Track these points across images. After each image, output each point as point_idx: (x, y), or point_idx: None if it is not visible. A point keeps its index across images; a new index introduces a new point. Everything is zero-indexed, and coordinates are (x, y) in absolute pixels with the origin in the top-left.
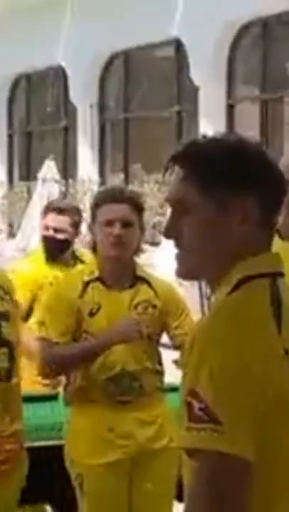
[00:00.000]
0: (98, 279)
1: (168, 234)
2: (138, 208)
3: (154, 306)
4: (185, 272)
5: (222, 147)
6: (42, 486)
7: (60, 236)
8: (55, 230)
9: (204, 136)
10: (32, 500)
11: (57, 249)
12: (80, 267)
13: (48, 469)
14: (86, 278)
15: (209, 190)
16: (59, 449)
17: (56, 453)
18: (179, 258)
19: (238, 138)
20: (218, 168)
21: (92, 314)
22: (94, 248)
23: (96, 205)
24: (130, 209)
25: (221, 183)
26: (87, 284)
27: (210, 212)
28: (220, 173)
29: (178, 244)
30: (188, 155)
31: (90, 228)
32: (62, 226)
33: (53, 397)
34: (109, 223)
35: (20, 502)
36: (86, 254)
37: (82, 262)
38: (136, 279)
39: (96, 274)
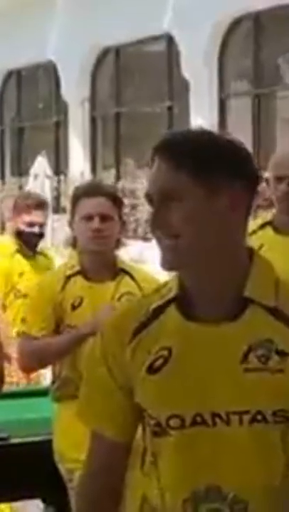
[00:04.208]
0: (79, 272)
1: (156, 223)
2: (117, 201)
3: None
4: (174, 260)
5: (206, 136)
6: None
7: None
8: (39, 225)
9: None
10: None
11: (35, 243)
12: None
13: None
14: (67, 272)
15: (200, 178)
16: None
17: None
18: (167, 247)
19: (211, 131)
20: (208, 155)
21: (74, 308)
22: (74, 243)
23: (74, 200)
24: (108, 202)
25: (211, 170)
26: (68, 278)
27: (201, 198)
28: (210, 161)
29: (166, 234)
30: (175, 146)
31: (70, 223)
32: (42, 220)
33: None
34: (88, 217)
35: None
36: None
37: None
38: (117, 271)
39: (77, 268)
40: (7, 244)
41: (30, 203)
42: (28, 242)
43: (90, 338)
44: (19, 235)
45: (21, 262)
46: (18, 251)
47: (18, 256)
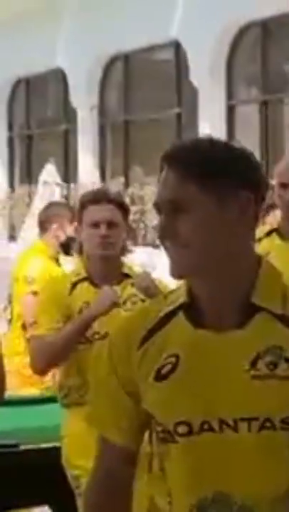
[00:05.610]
0: (85, 278)
1: (165, 233)
2: (123, 208)
3: (143, 301)
4: (183, 269)
5: (214, 146)
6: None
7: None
8: None
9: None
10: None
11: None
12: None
13: None
14: (73, 279)
15: (209, 187)
16: None
17: None
18: (176, 256)
19: (218, 139)
20: (216, 165)
21: (81, 313)
22: (80, 249)
23: (81, 207)
24: (115, 210)
25: (219, 179)
26: (74, 284)
27: (210, 208)
28: (218, 170)
29: (175, 243)
30: (183, 155)
31: (77, 230)
32: None
33: None
34: (95, 224)
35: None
36: None
37: None
38: (122, 276)
39: (83, 274)
40: (43, 247)
41: (72, 210)
42: (71, 246)
43: (93, 322)
44: (69, 240)
45: (57, 265)
46: (53, 256)
47: (51, 260)
